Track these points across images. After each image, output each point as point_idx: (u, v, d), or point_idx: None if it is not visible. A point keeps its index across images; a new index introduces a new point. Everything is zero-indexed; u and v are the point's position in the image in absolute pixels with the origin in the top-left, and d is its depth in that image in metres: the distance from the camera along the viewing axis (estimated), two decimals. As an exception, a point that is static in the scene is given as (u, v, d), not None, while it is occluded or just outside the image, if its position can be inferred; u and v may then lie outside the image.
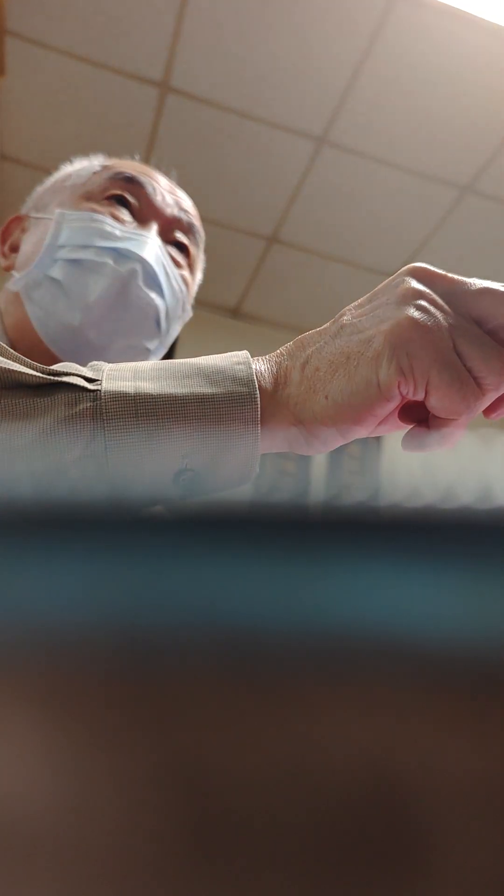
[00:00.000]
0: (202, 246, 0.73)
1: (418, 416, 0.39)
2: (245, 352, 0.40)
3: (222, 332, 2.27)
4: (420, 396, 0.35)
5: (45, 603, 0.10)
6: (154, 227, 0.65)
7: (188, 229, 0.69)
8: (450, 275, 0.37)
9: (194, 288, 0.73)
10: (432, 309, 0.35)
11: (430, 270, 0.37)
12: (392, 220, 2.05)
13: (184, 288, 0.67)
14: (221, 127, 1.84)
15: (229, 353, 0.39)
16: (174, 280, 0.65)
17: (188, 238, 0.69)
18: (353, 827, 0.09)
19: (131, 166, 0.69)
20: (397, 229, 2.08)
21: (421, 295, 0.35)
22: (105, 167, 0.68)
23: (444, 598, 0.10)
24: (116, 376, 0.37)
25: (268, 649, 0.10)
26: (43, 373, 0.37)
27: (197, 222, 0.70)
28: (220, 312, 2.40)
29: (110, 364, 0.39)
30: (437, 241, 2.09)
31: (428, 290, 0.36)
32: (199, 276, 0.74)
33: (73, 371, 0.37)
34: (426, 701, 0.10)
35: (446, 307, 0.35)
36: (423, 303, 0.35)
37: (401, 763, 0.10)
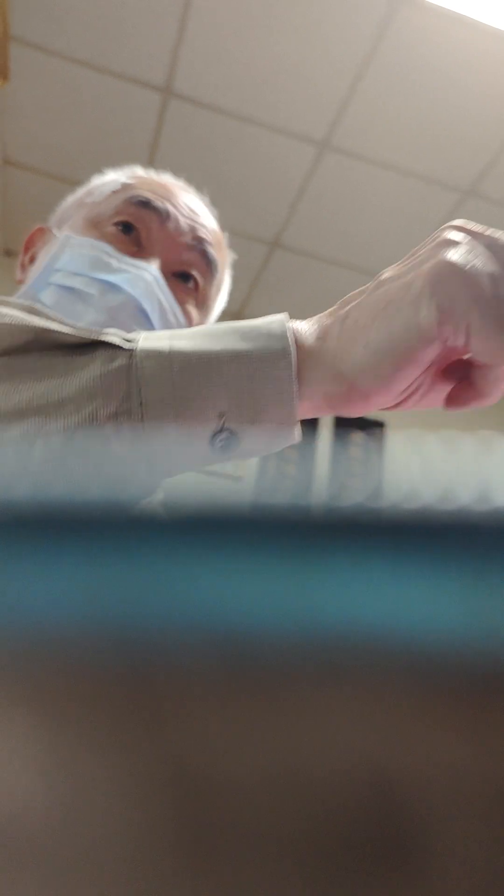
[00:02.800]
0: (219, 275, 0.70)
1: (458, 377, 0.39)
2: (284, 313, 0.39)
3: (225, 336, 2.27)
4: (461, 342, 0.33)
5: (40, 604, 0.10)
6: (156, 260, 0.63)
7: (200, 260, 0.66)
8: (489, 230, 0.36)
9: (210, 318, 0.71)
10: (472, 255, 0.34)
11: (469, 225, 0.37)
12: (394, 224, 2.06)
13: (183, 322, 0.65)
14: (224, 131, 1.85)
15: (268, 315, 0.39)
16: (171, 315, 0.63)
17: (199, 270, 0.67)
18: (351, 830, 0.09)
19: (152, 187, 0.66)
20: (400, 233, 2.08)
21: (460, 242, 0.35)
22: (125, 186, 0.66)
23: (443, 600, 0.10)
24: (153, 337, 0.37)
25: (265, 652, 0.10)
26: (81, 333, 0.38)
27: (212, 250, 0.67)
28: (223, 317, 2.40)
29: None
30: (440, 245, 2.09)
31: (468, 238, 0.35)
32: (219, 303, 0.72)
33: (110, 332, 0.38)
34: (425, 704, 0.10)
35: (486, 254, 0.35)
36: (463, 248, 0.35)
37: (399, 766, 0.10)
